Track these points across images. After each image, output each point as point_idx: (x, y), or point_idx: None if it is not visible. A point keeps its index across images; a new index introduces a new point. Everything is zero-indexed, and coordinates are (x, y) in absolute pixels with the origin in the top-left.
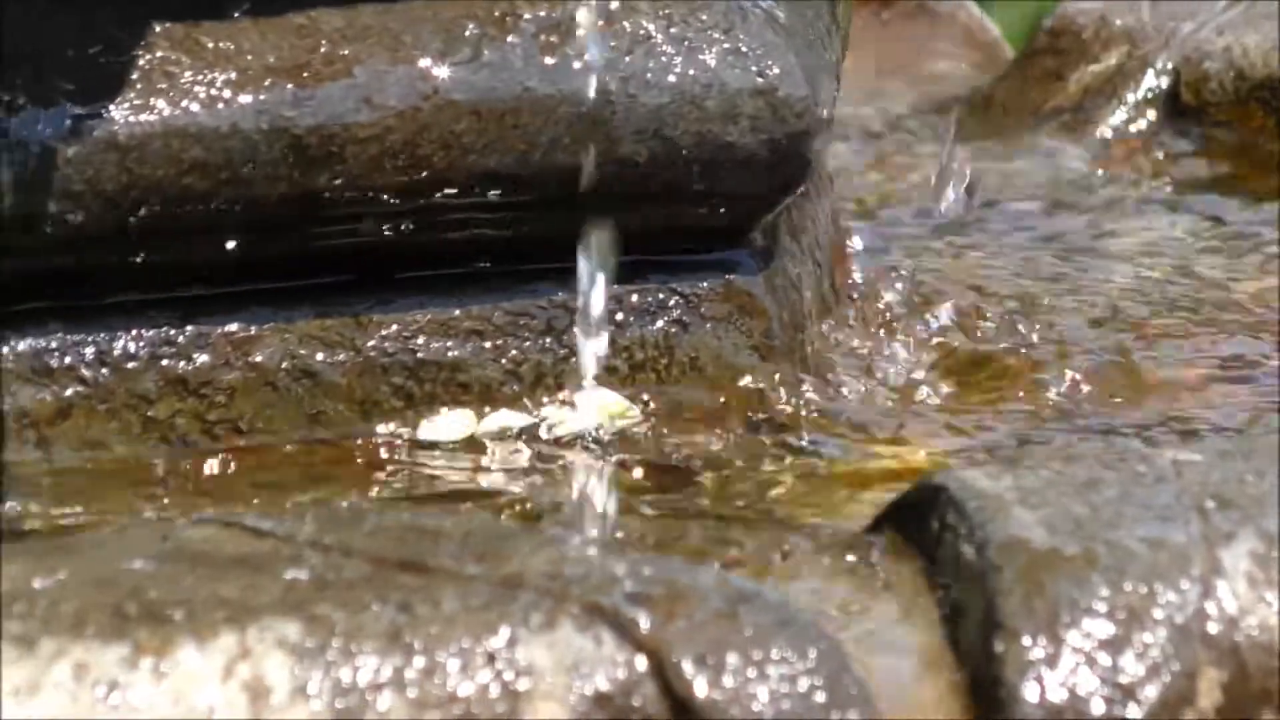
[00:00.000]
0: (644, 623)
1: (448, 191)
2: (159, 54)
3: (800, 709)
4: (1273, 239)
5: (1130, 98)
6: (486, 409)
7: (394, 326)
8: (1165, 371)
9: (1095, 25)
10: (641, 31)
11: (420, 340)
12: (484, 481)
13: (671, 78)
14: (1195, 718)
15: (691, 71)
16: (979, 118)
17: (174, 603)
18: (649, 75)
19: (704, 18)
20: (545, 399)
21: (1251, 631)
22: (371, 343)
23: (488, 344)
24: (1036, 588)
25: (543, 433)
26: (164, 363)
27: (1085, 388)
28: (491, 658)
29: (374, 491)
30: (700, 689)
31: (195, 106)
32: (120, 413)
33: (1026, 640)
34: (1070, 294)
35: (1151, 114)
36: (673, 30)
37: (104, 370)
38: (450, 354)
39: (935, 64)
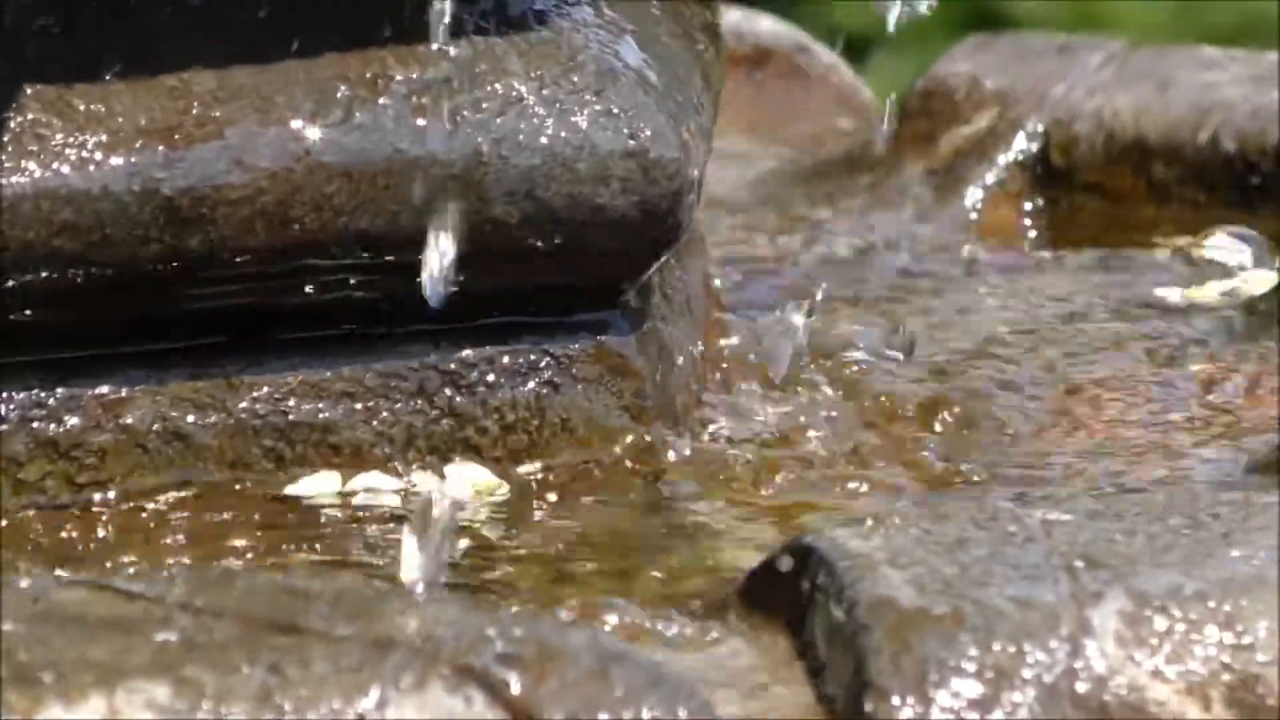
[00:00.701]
0: (514, 684)
1: (320, 253)
2: (30, 116)
3: None
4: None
5: (1001, 159)
6: (357, 471)
7: (265, 388)
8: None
9: (967, 87)
10: (514, 93)
11: (292, 402)
12: (352, 543)
13: (543, 139)
14: None
15: (563, 133)
16: (850, 179)
17: (43, 665)
18: (521, 137)
19: (576, 79)
20: (415, 463)
21: (1120, 691)
22: (243, 404)
23: (359, 405)
24: (905, 647)
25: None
26: (34, 425)
27: (964, 444)
28: (362, 719)
29: (245, 552)
30: None
31: (66, 169)
32: None
33: (895, 700)
34: (945, 354)
35: (1021, 176)
36: (545, 92)
37: None
38: (321, 415)
39: (809, 126)
